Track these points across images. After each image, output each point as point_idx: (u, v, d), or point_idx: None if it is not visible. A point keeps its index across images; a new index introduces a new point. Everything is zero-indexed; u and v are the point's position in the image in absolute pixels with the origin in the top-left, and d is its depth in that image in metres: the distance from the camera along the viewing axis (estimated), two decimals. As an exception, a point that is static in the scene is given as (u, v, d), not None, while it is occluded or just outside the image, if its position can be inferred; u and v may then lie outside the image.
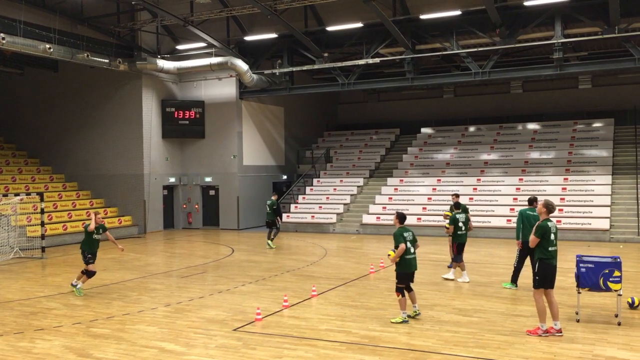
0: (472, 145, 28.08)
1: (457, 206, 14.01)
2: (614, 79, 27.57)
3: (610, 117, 27.02)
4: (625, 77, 27.00)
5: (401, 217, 10.03)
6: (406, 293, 9.81)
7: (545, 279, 8.80)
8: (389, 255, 9.76)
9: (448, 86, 30.89)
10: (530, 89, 29.85)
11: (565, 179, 23.53)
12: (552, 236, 8.75)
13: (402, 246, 9.57)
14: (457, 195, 15.03)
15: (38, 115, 27.52)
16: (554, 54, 20.54)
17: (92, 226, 12.42)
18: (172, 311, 10.94)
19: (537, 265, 8.80)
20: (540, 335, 8.69)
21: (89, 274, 12.51)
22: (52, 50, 20.29)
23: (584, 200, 21.94)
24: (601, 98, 28.17)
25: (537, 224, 8.92)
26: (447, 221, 13.63)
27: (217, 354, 8.28)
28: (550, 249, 8.73)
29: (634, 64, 19.81)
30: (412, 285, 9.93)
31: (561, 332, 8.81)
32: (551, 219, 8.93)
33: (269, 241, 19.90)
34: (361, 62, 23.04)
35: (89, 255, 12.47)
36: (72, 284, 12.70)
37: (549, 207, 8.92)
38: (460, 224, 13.21)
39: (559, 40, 20.13)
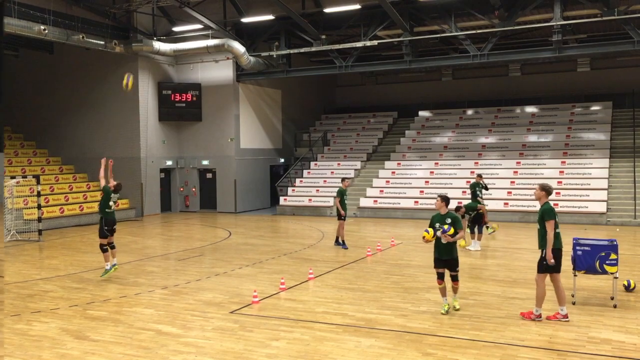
0: (470, 129, 28.01)
1: None
2: (613, 61, 27.44)
3: (608, 100, 26.93)
4: (624, 59, 26.86)
5: (447, 200, 9.35)
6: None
7: (555, 264, 8.56)
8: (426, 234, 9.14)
9: (446, 69, 30.72)
10: (529, 72, 29.70)
11: (562, 162, 23.53)
12: (557, 218, 8.65)
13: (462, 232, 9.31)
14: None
15: (34, 97, 27.29)
16: (552, 37, 20.38)
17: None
18: (169, 294, 10.96)
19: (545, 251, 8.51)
20: (533, 320, 8.68)
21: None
22: (47, 31, 20.07)
23: (582, 184, 21.97)
24: (599, 81, 28.05)
25: (543, 207, 8.62)
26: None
27: (214, 336, 8.30)
28: (557, 230, 8.58)
29: (633, 46, 19.68)
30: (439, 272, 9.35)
31: (568, 318, 8.65)
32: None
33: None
34: (359, 44, 22.86)
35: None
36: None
37: (548, 190, 8.77)
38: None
39: (558, 23, 19.96)
